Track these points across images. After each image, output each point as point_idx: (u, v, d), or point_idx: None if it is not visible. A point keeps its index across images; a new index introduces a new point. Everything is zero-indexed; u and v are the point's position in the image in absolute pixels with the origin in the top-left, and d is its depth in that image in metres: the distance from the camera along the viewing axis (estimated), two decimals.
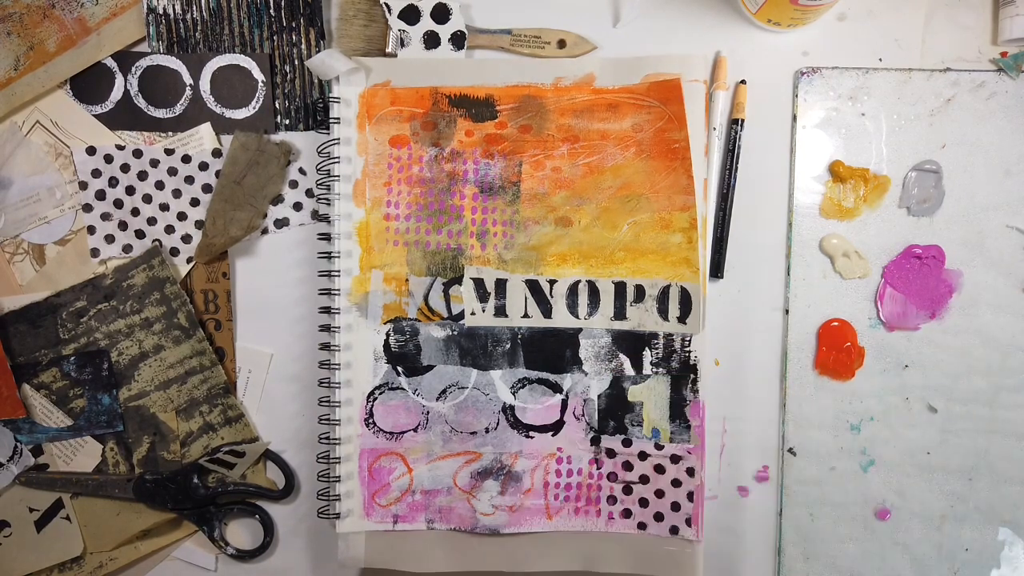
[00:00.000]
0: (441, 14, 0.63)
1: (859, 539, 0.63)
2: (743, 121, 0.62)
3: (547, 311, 0.62)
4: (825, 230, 0.62)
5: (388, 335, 0.62)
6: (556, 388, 0.62)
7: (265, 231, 0.65)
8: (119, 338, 0.64)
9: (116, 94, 0.65)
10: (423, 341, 0.62)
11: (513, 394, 0.62)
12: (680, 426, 0.61)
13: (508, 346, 0.62)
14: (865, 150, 0.62)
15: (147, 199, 0.64)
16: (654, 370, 0.61)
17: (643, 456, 0.61)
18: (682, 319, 0.61)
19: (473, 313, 0.62)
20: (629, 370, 0.61)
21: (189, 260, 0.65)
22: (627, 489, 0.62)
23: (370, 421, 0.62)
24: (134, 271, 0.64)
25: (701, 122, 0.61)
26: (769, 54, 0.63)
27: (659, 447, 0.61)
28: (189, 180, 0.64)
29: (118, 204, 0.64)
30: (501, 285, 0.62)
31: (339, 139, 0.61)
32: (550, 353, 0.62)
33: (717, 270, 0.63)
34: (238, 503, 0.65)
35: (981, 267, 0.62)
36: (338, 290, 0.62)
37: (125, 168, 0.64)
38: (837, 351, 0.62)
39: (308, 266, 0.65)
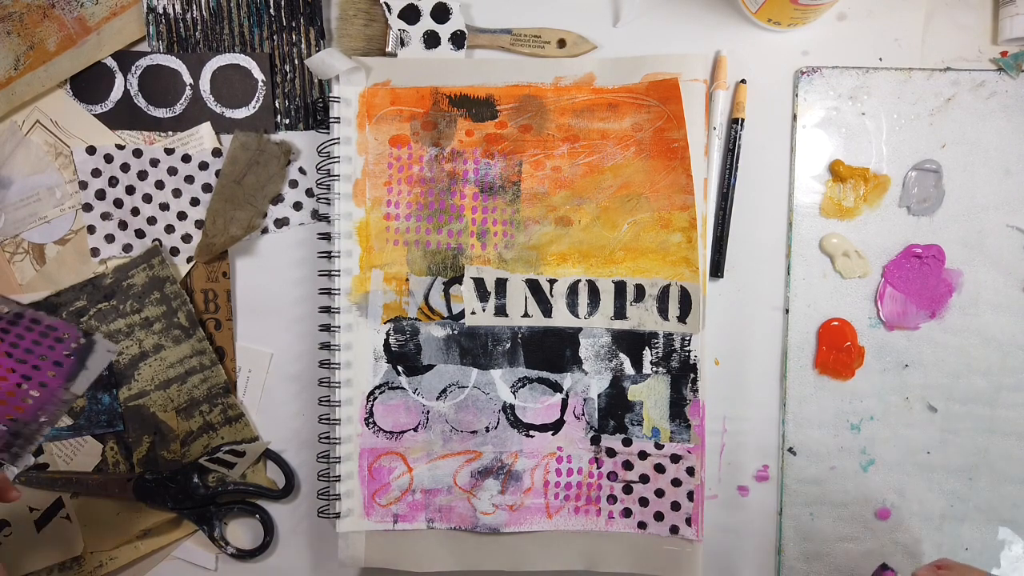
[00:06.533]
0: (441, 14, 0.63)
1: (859, 539, 0.63)
2: (743, 121, 0.62)
3: (547, 310, 0.62)
4: (825, 229, 0.62)
5: (388, 335, 0.62)
6: (556, 387, 0.62)
7: (265, 231, 0.65)
8: (119, 337, 0.64)
9: (116, 94, 0.65)
10: (423, 340, 0.62)
11: (513, 393, 0.62)
12: (680, 425, 0.61)
13: (508, 345, 0.62)
14: (865, 150, 0.62)
15: (147, 199, 0.64)
16: (654, 369, 0.61)
17: (643, 455, 0.61)
18: (682, 318, 0.61)
19: (473, 312, 0.62)
20: (629, 369, 0.61)
21: (189, 260, 0.65)
22: (627, 488, 0.62)
23: (370, 420, 0.62)
24: (134, 271, 0.64)
25: (701, 122, 0.61)
26: (769, 54, 0.63)
27: (659, 446, 0.61)
28: (189, 179, 0.64)
29: (118, 204, 0.64)
30: (501, 284, 0.62)
31: (339, 139, 0.61)
32: (550, 352, 0.62)
33: (717, 269, 0.63)
34: (238, 503, 0.65)
35: (981, 266, 0.62)
36: (338, 290, 0.62)
37: (125, 168, 0.64)
38: (837, 351, 0.62)
39: (308, 266, 0.65)
